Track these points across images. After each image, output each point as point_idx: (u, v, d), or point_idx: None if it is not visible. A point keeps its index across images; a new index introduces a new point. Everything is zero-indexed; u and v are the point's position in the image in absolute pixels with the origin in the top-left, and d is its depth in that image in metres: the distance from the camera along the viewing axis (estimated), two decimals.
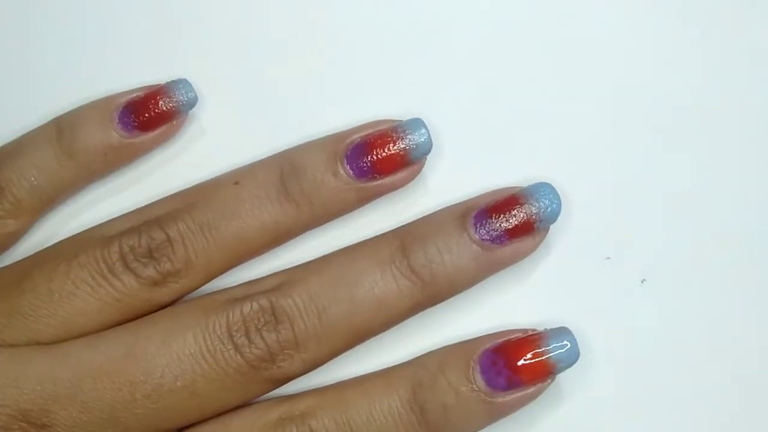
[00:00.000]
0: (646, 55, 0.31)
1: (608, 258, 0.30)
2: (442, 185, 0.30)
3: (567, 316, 0.29)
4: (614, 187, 0.30)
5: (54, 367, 0.26)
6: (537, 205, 0.28)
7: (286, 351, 0.27)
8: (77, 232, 0.29)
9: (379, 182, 0.29)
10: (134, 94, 0.30)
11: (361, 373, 0.29)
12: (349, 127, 0.30)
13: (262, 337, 0.27)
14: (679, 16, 0.31)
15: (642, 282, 0.30)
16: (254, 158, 0.30)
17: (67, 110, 0.31)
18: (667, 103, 0.31)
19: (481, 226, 0.28)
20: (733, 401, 0.29)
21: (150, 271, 0.28)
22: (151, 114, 0.30)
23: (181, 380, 0.27)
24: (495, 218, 0.28)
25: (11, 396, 0.26)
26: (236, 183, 0.29)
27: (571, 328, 0.27)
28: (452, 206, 0.29)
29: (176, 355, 0.27)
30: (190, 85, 0.30)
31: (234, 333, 0.27)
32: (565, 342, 0.27)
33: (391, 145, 0.29)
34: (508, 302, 0.29)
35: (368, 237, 0.29)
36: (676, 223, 0.30)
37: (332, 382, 0.29)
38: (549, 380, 0.27)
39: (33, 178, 0.29)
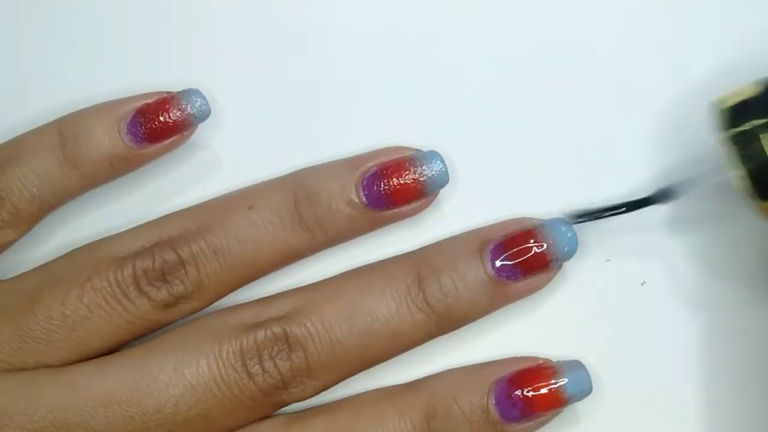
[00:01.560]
0: (646, 59, 0.31)
1: (608, 260, 0.30)
2: (454, 204, 0.30)
3: (567, 317, 0.30)
4: (614, 189, 0.30)
5: (65, 394, 0.26)
6: (554, 242, 0.28)
7: (298, 378, 0.27)
8: (75, 231, 0.29)
9: (393, 212, 0.29)
10: (143, 102, 0.29)
11: (367, 384, 0.29)
12: (366, 152, 0.29)
13: (275, 366, 0.27)
14: (683, 17, 0.31)
15: (642, 284, 0.30)
16: (266, 174, 0.30)
17: (67, 108, 0.29)
18: (667, 106, 0.31)
19: (497, 260, 0.28)
20: (734, 403, 0.29)
21: (163, 295, 0.27)
22: (160, 125, 0.29)
23: (195, 409, 0.27)
24: (511, 254, 0.28)
25: (22, 424, 0.26)
26: (250, 207, 0.28)
27: (570, 329, 0.28)
28: (468, 235, 0.29)
29: (190, 385, 0.27)
30: (203, 95, 0.29)
31: (248, 361, 0.27)
32: (579, 377, 0.27)
33: (408, 177, 0.28)
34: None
35: (379, 252, 0.29)
36: (676, 224, 0.30)
37: (339, 395, 0.29)
38: (559, 411, 0.28)
39: (35, 188, 0.28)
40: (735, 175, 0.27)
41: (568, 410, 0.29)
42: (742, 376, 0.30)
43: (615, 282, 0.30)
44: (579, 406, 0.29)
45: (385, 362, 0.28)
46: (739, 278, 0.30)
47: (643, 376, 0.30)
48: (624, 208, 0.28)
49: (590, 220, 0.28)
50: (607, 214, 0.28)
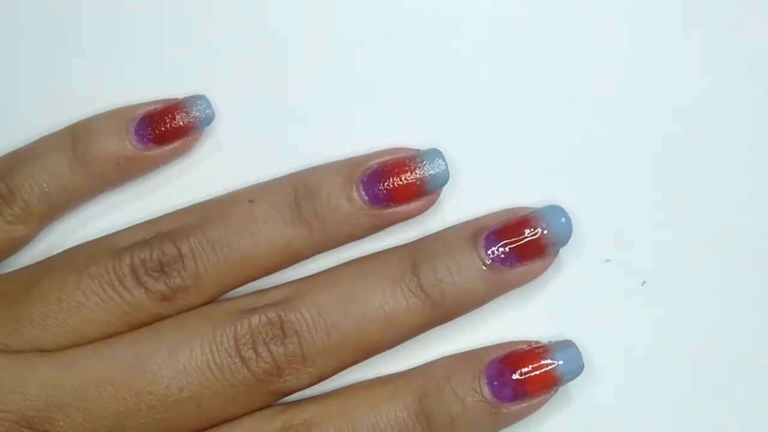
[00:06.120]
0: (645, 58, 0.31)
1: (608, 260, 0.30)
2: (452, 201, 0.30)
3: (567, 318, 0.29)
4: (614, 188, 0.30)
5: (59, 374, 0.26)
6: (548, 228, 0.28)
7: (293, 365, 0.27)
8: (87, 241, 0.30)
9: (393, 210, 0.29)
10: (151, 107, 0.30)
11: (364, 379, 0.29)
12: (367, 152, 0.30)
13: (269, 351, 0.27)
14: (681, 17, 0.32)
15: (642, 284, 0.30)
16: (269, 176, 0.30)
17: (81, 119, 0.31)
18: (667, 106, 0.31)
19: (491, 247, 0.28)
20: (734, 403, 0.29)
21: (160, 286, 0.28)
22: (167, 127, 0.30)
23: (186, 392, 0.27)
24: (505, 240, 0.28)
25: (15, 402, 0.26)
26: (250, 201, 0.29)
27: (571, 330, 0.28)
28: (463, 224, 0.29)
29: (182, 367, 0.27)
30: (208, 101, 0.30)
31: (241, 346, 0.27)
32: (571, 355, 0.27)
33: (408, 174, 0.29)
34: (508, 303, 0.29)
35: (377, 250, 0.30)
36: (676, 225, 0.30)
37: (334, 388, 0.29)
38: (553, 392, 0.27)
39: (44, 184, 0.29)
40: None
41: (568, 409, 0.29)
42: (742, 376, 0.29)
43: (615, 282, 0.30)
44: (579, 405, 0.29)
45: (382, 357, 0.28)
46: (738, 278, 0.30)
47: (642, 375, 0.29)
48: None
49: None
50: None
